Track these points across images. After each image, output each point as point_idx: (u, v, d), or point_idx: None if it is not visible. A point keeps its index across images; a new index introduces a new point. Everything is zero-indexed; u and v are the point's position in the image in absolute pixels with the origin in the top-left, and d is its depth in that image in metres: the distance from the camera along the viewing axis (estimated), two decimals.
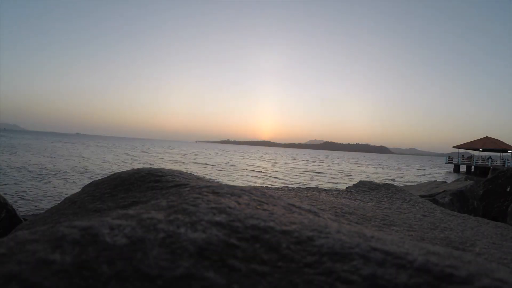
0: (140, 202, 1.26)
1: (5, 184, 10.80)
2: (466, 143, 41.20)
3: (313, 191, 3.25)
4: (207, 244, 0.72)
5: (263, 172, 24.09)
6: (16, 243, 0.70)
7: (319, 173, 26.53)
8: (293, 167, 32.15)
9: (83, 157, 26.24)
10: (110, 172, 14.07)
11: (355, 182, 3.83)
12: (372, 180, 5.41)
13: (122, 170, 1.75)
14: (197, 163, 30.25)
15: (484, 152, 41.15)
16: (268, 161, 42.03)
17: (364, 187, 3.57)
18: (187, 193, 1.11)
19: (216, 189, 1.14)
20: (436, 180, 7.63)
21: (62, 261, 0.63)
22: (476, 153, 41.45)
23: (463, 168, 39.79)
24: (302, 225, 0.84)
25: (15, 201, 8.18)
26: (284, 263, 0.68)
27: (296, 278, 0.63)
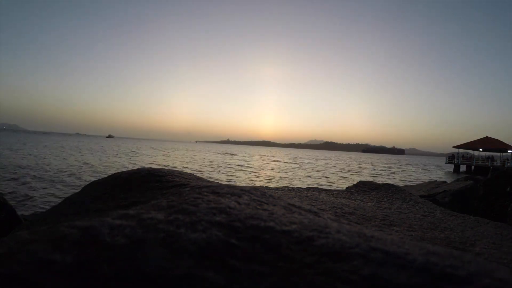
0: (140, 202, 1.26)
1: (5, 184, 10.80)
2: (466, 143, 41.18)
3: (313, 191, 3.25)
4: (207, 244, 0.72)
5: None
6: (16, 243, 0.70)
7: None
8: None
9: (82, 157, 26.23)
10: (110, 172, 14.07)
11: (355, 182, 3.83)
12: (372, 180, 5.42)
13: (122, 170, 1.75)
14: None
15: (484, 152, 41.15)
16: None
17: (364, 187, 3.57)
18: (187, 193, 1.11)
19: (216, 189, 1.14)
20: (436, 180, 7.63)
21: (62, 261, 0.63)
22: (476, 153, 41.45)
23: (463, 168, 39.79)
24: (302, 225, 0.84)
25: (15, 201, 8.17)
26: (284, 263, 0.68)
27: (296, 278, 0.63)
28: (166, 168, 1.73)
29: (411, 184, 9.52)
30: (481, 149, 40.43)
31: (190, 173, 1.76)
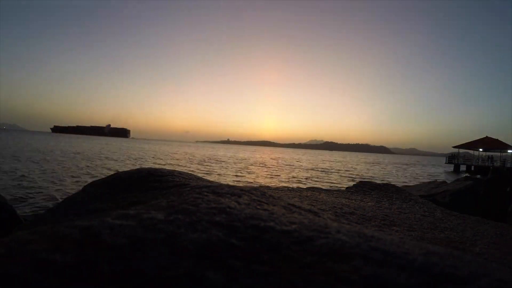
0: (140, 202, 1.26)
1: (4, 184, 10.80)
2: (466, 143, 41.17)
3: (313, 191, 3.25)
4: (207, 244, 0.72)
5: None
6: (16, 243, 0.70)
7: None
8: None
9: (82, 157, 26.18)
10: (110, 172, 14.02)
11: (355, 182, 3.83)
12: (372, 180, 5.43)
13: (122, 170, 1.75)
14: None
15: (484, 152, 41.13)
16: None
17: (364, 187, 3.57)
18: (187, 193, 1.12)
19: (216, 189, 1.14)
20: (436, 180, 7.64)
21: (62, 261, 0.63)
22: (476, 153, 41.45)
23: (463, 168, 39.78)
24: (302, 225, 0.84)
25: (15, 201, 8.18)
26: (284, 263, 0.68)
27: (296, 278, 0.63)
28: (166, 168, 1.73)
29: (411, 184, 9.53)
30: (481, 149, 40.41)
31: (190, 173, 1.77)
